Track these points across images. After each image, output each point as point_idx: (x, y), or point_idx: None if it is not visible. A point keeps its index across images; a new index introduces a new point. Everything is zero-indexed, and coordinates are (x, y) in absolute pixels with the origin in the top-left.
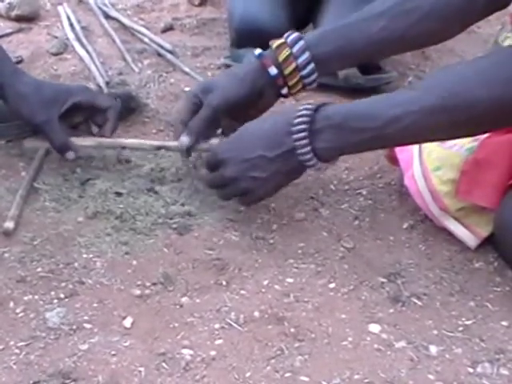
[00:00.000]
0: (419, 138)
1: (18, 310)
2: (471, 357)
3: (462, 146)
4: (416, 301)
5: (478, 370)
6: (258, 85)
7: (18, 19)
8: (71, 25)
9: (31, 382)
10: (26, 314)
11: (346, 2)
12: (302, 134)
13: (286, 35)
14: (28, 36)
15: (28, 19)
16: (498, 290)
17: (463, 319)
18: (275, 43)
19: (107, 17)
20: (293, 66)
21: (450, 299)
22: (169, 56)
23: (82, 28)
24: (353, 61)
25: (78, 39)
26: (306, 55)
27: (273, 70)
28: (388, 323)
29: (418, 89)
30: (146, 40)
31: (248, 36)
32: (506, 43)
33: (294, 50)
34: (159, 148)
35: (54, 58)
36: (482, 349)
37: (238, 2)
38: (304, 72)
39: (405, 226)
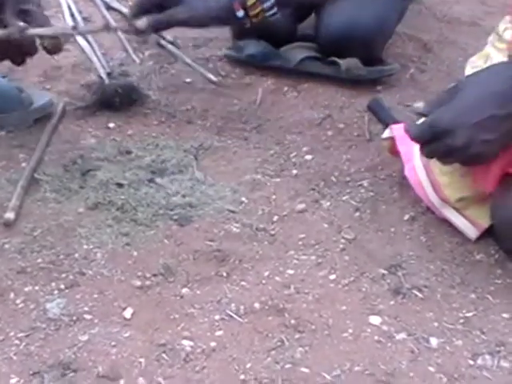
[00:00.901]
0: None
1: (18, 301)
2: (472, 349)
3: None
4: (417, 293)
5: (479, 362)
6: (224, 20)
7: None
8: (72, 16)
9: (31, 372)
10: (27, 304)
11: None
12: None
13: None
14: None
15: None
16: (499, 282)
17: (464, 311)
18: None
19: (108, 8)
20: (259, 9)
21: (450, 291)
22: (170, 47)
23: (84, 19)
24: None
25: None
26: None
27: (240, 13)
28: (389, 315)
29: None
30: None
31: (249, 27)
32: (506, 35)
33: None
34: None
35: None
36: (482, 341)
37: None
38: (268, 13)
39: (406, 217)
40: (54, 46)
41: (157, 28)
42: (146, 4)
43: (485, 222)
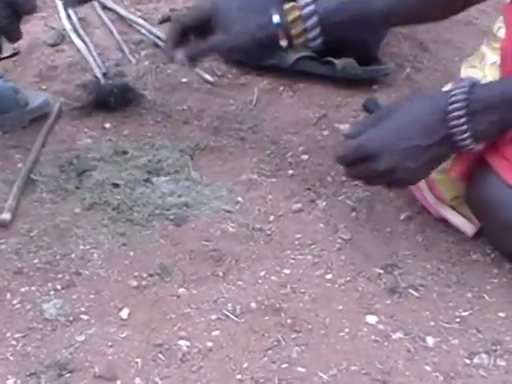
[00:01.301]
0: None
1: (14, 302)
2: (468, 348)
3: None
4: (413, 292)
5: (475, 361)
6: (268, 46)
7: None
8: (68, 16)
9: (28, 373)
10: (23, 305)
11: None
12: (461, 120)
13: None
14: (25, 27)
15: None
16: (495, 281)
17: (460, 310)
18: (291, 15)
19: (104, 8)
20: (302, 39)
21: (447, 290)
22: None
23: (79, 19)
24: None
25: (75, 30)
26: (317, 31)
27: (284, 42)
28: (385, 314)
29: None
30: (143, 31)
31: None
32: (500, 33)
33: (308, 24)
34: None
35: (51, 49)
36: (478, 340)
37: None
38: (311, 44)
39: (402, 217)
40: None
41: (197, 55)
42: (184, 29)
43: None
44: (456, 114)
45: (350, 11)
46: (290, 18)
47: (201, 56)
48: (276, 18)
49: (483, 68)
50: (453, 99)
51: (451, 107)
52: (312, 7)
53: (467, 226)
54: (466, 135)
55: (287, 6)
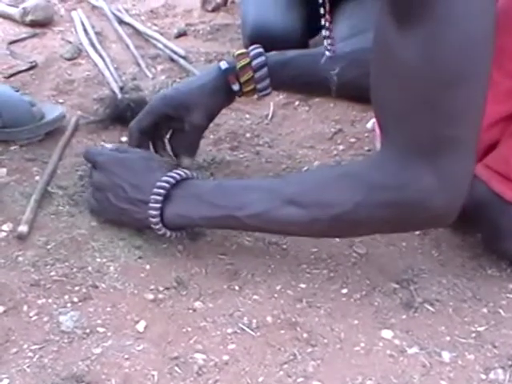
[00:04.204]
0: (273, 229)
1: (31, 314)
2: (484, 363)
3: None
4: (428, 307)
5: (491, 376)
6: (225, 98)
7: (33, 24)
8: (85, 30)
9: None
10: (40, 317)
11: (359, 8)
12: (161, 192)
13: (251, 55)
14: (42, 41)
15: (42, 24)
16: (511, 296)
17: (476, 325)
18: (240, 63)
19: (121, 22)
20: (251, 86)
21: (462, 305)
22: (182, 61)
23: (96, 33)
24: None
25: (92, 44)
26: (267, 82)
27: (236, 86)
28: (400, 329)
29: (282, 180)
30: (159, 46)
31: (261, 42)
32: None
33: (257, 75)
34: None
35: (68, 63)
36: (494, 355)
37: (251, 8)
38: (261, 93)
39: (417, 232)
40: None
41: (190, 149)
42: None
43: None
44: (161, 184)
45: (299, 68)
46: (240, 65)
47: (195, 147)
48: (224, 65)
49: None
50: (169, 174)
51: (163, 178)
52: (263, 58)
53: None
54: (156, 206)
55: (237, 52)
